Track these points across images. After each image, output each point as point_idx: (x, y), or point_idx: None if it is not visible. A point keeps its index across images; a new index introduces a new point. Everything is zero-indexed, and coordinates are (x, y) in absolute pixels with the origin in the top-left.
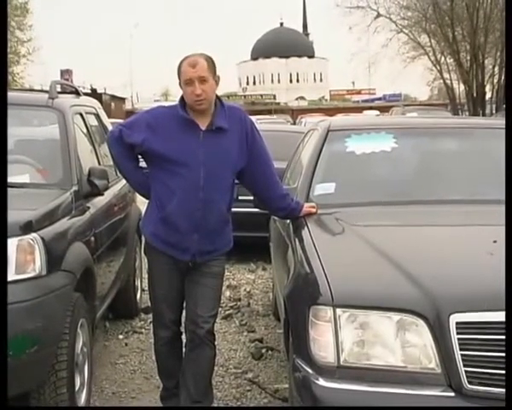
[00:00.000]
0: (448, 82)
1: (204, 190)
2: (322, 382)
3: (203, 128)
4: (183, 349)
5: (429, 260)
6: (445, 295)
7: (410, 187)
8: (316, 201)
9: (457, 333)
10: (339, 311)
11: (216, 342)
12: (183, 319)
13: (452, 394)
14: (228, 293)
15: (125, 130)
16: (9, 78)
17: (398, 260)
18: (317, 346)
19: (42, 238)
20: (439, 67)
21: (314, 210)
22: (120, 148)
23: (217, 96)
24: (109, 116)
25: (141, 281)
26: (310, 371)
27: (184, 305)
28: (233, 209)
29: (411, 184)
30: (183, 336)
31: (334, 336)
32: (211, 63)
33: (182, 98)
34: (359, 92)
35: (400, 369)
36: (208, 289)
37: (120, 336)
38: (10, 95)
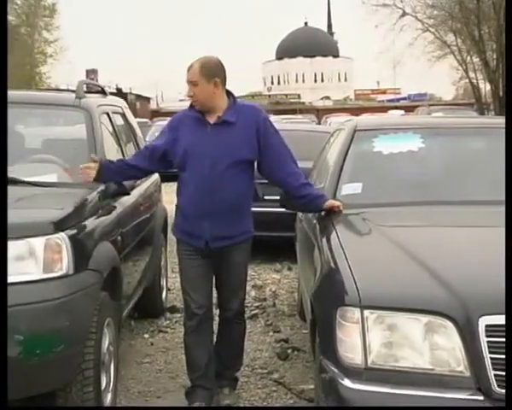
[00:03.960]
0: (474, 81)
1: (209, 179)
2: (349, 383)
3: (211, 122)
4: (212, 340)
5: (458, 262)
6: (475, 298)
7: (438, 187)
8: (342, 201)
9: (487, 336)
10: (366, 312)
11: None
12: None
13: (481, 397)
14: (253, 293)
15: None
16: (36, 78)
17: (427, 261)
18: (345, 347)
19: (69, 237)
20: (464, 67)
21: (338, 204)
22: None
23: (231, 95)
24: (135, 116)
25: (166, 280)
26: (337, 372)
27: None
28: (259, 209)
29: (439, 185)
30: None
31: (362, 337)
32: (206, 68)
33: None
34: (384, 92)
35: (428, 371)
36: (232, 278)
37: (146, 336)
38: (38, 94)
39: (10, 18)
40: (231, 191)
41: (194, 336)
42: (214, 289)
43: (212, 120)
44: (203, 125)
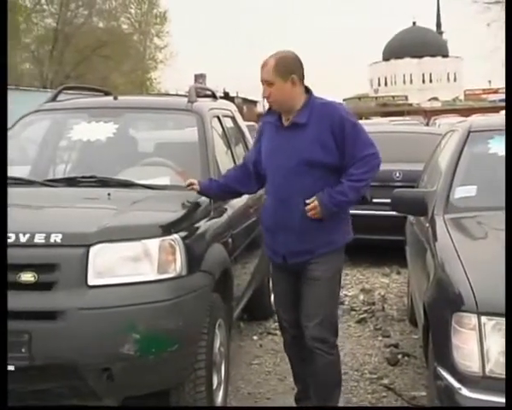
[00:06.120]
0: None
1: (282, 188)
2: (466, 392)
3: (285, 125)
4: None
5: None
6: None
7: None
8: (456, 204)
9: None
10: (484, 318)
11: (350, 346)
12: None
13: None
14: (362, 297)
15: None
16: (147, 83)
17: None
18: (461, 354)
19: (182, 239)
20: None
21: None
22: None
23: (309, 92)
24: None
25: None
26: (452, 380)
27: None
28: (367, 212)
29: None
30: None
31: (479, 344)
32: (281, 65)
33: None
34: (496, 91)
35: None
36: (308, 296)
37: (255, 337)
38: (152, 99)
39: (124, 27)
40: (303, 200)
41: (290, 348)
42: None
43: (286, 123)
44: (279, 130)
